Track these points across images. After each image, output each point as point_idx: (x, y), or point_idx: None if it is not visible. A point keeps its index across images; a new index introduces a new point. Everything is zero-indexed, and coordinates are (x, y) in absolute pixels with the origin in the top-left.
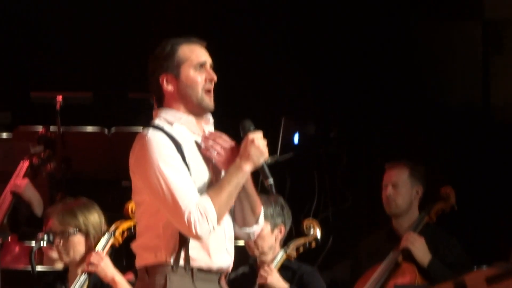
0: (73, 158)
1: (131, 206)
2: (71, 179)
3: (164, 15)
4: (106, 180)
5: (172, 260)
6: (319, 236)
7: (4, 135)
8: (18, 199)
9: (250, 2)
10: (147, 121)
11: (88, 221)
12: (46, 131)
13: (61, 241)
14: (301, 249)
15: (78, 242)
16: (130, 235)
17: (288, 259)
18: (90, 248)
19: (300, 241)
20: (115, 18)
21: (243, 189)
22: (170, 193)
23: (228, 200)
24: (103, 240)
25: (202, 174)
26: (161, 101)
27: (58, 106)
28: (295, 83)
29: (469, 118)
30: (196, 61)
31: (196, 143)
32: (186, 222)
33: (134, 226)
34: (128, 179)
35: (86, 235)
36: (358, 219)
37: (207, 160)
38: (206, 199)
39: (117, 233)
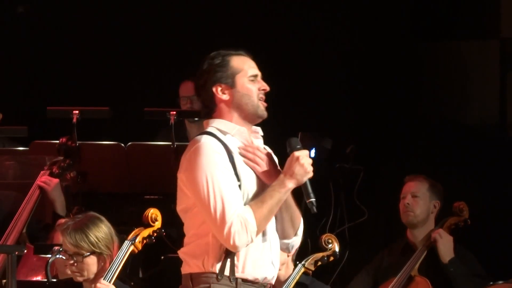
0: (90, 171)
1: (150, 213)
2: (87, 193)
3: (179, 32)
4: (123, 193)
5: (217, 269)
6: (337, 250)
7: (21, 149)
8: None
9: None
10: (163, 136)
11: (100, 242)
12: (66, 140)
13: (75, 263)
14: (319, 263)
15: (92, 263)
16: (150, 243)
17: (305, 273)
18: (104, 265)
19: (318, 255)
20: (132, 34)
21: (284, 201)
22: (215, 200)
23: (268, 214)
24: (123, 248)
25: (252, 185)
26: (212, 111)
27: (74, 119)
28: (312, 98)
29: (485, 135)
30: (250, 73)
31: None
32: (226, 232)
33: (154, 233)
34: (146, 193)
35: (99, 254)
36: (374, 234)
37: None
38: (248, 211)
39: (137, 240)
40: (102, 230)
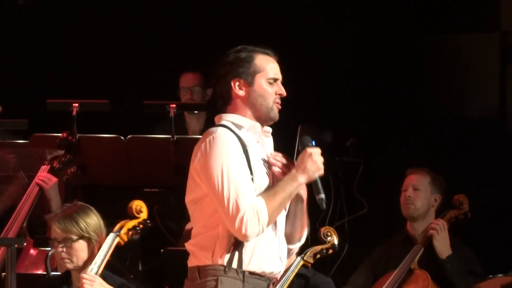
0: (89, 164)
1: (135, 205)
2: (87, 186)
3: (179, 24)
4: (123, 186)
5: (225, 262)
6: (336, 243)
7: (21, 142)
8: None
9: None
10: (162, 128)
11: (89, 227)
12: (67, 135)
13: (64, 249)
14: (318, 256)
15: (81, 249)
16: (135, 235)
17: (304, 265)
18: (92, 252)
19: (317, 248)
20: (132, 27)
21: (300, 208)
22: (229, 189)
23: (279, 206)
24: (108, 240)
25: (264, 180)
26: (227, 104)
27: (74, 111)
28: (312, 91)
29: (486, 128)
30: (271, 75)
31: (260, 152)
32: (238, 220)
33: (139, 225)
34: (146, 185)
35: (89, 240)
36: (374, 227)
37: (268, 171)
38: (260, 201)
39: (122, 232)
40: (91, 217)
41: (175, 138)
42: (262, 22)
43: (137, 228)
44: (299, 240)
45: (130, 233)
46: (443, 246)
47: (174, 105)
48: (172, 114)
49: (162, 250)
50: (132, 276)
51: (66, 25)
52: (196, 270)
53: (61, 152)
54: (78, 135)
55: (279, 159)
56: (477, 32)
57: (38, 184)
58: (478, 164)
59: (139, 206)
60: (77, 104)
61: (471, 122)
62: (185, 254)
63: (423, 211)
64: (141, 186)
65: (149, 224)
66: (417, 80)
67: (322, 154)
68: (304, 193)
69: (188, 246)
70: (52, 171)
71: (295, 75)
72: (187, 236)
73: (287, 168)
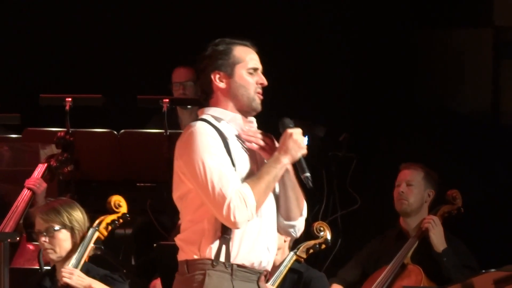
0: (82, 159)
1: (114, 200)
2: (80, 180)
3: (172, 19)
4: (116, 181)
5: (213, 255)
6: (329, 238)
7: (13, 137)
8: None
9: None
10: (155, 123)
11: (72, 217)
12: (65, 134)
13: (47, 238)
14: (311, 251)
15: (64, 239)
16: (115, 229)
17: (297, 260)
18: (75, 244)
19: (310, 243)
20: (125, 22)
21: (289, 179)
22: (212, 179)
23: (266, 189)
24: (88, 234)
25: (246, 171)
26: (209, 98)
27: (67, 106)
28: (305, 86)
29: (478, 123)
30: (250, 65)
31: (240, 140)
32: (226, 208)
33: (118, 219)
34: (139, 180)
35: (71, 231)
36: (367, 222)
37: (253, 157)
38: (245, 187)
39: (101, 227)
40: (74, 209)
41: (168, 133)
42: (256, 16)
43: (116, 222)
44: (301, 214)
45: (110, 227)
46: (439, 238)
47: (167, 100)
48: (165, 108)
49: (155, 245)
50: (125, 271)
51: (59, 20)
52: (184, 264)
53: (58, 150)
54: (71, 130)
55: (251, 134)
56: (470, 28)
57: (30, 189)
58: (471, 159)
59: (118, 201)
60: (70, 99)
61: (464, 117)
62: (178, 249)
63: (416, 206)
64: (134, 181)
65: (128, 218)
66: (410, 75)
67: (315, 149)
68: (289, 167)
69: (177, 240)
70: (49, 169)
71: (289, 70)
72: (178, 231)
73: (265, 143)
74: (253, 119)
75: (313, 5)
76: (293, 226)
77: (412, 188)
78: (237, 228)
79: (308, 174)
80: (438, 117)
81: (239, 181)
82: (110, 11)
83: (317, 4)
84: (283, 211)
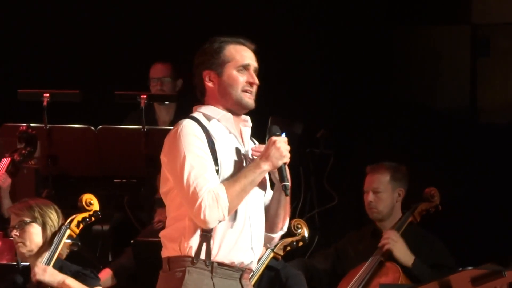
0: (60, 154)
1: (85, 198)
2: (57, 176)
3: (150, 14)
4: (93, 177)
5: (193, 253)
6: (306, 235)
7: None
8: None
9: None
10: (132, 119)
11: (44, 212)
12: (27, 128)
13: (18, 232)
14: (288, 248)
15: (35, 233)
16: (86, 226)
17: (275, 257)
18: (46, 239)
19: (287, 240)
20: (103, 17)
21: (283, 197)
22: (188, 178)
23: (241, 192)
24: (60, 232)
25: (230, 172)
26: (203, 95)
27: (45, 102)
28: (283, 82)
29: (456, 121)
30: (240, 63)
31: (231, 142)
32: (197, 206)
33: (89, 217)
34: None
35: (43, 226)
36: (344, 219)
37: (240, 161)
38: (220, 187)
39: (72, 224)
40: (48, 206)
41: (145, 129)
42: (233, 12)
43: (88, 220)
44: (281, 229)
45: (81, 225)
46: (403, 253)
47: (145, 96)
48: (142, 104)
49: (132, 241)
50: (102, 267)
51: (37, 15)
52: (167, 260)
53: (21, 145)
54: (48, 126)
55: (257, 149)
56: (448, 25)
57: None
58: (449, 156)
59: (89, 199)
60: (47, 94)
61: (442, 114)
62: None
63: (387, 211)
64: (111, 177)
65: (100, 216)
66: (388, 71)
67: (292, 146)
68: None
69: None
70: (13, 163)
71: (265, 66)
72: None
73: None
74: (248, 118)
75: (290, 2)
76: (272, 238)
77: (380, 196)
78: (208, 227)
79: (287, 183)
80: (416, 114)
81: (218, 182)
82: (87, 7)
83: (294, 1)
84: (268, 224)
